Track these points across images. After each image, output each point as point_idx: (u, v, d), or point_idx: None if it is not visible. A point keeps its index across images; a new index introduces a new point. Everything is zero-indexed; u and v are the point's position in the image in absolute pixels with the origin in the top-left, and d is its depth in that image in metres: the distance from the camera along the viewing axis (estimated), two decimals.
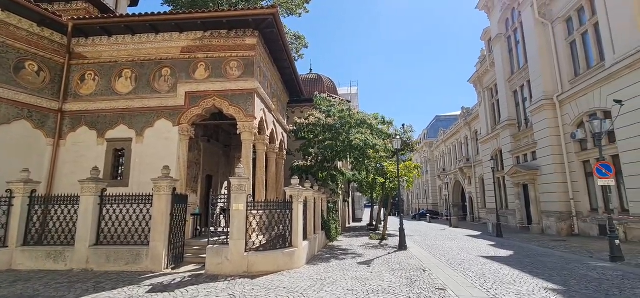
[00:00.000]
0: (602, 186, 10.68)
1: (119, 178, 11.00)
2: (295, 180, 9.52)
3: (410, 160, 24.51)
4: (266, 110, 12.37)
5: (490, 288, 6.57)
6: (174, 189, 9.07)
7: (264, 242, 9.14)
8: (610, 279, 7.12)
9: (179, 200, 9.34)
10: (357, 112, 15.33)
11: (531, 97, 19.43)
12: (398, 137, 15.58)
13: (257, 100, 11.09)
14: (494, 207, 20.15)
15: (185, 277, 7.69)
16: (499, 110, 24.41)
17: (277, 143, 14.27)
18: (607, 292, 6.16)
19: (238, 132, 10.86)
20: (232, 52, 11.22)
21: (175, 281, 7.34)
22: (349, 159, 17.37)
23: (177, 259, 9.15)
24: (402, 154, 24.66)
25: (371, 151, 14.39)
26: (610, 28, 13.79)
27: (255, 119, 10.89)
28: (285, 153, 15.98)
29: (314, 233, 11.79)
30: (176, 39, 11.48)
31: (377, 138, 14.52)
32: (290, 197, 9.30)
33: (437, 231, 21.85)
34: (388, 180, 18.42)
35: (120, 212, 8.97)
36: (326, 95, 16.38)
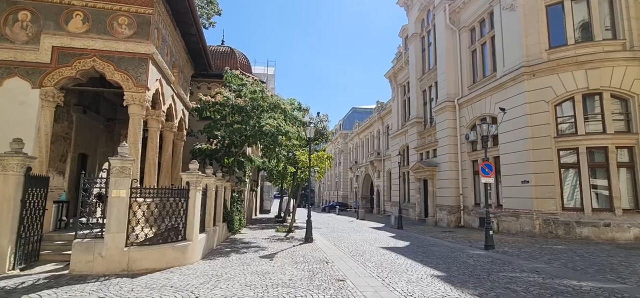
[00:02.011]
0: (484, 183, 12.92)
1: None
2: (194, 165, 9.04)
3: (324, 150, 25.60)
4: (164, 81, 11.34)
5: (386, 277, 7.38)
6: (29, 169, 7.66)
7: (151, 235, 8.46)
8: (482, 264, 8.74)
9: (36, 182, 7.94)
10: (271, 95, 15.24)
11: (437, 97, 22.16)
12: (312, 125, 16.04)
13: (152, 68, 10.06)
14: (398, 200, 22.53)
15: (39, 279, 6.61)
16: (410, 107, 27.19)
17: (176, 121, 13.28)
18: (478, 275, 7.56)
19: (125, 103, 9.72)
20: (123, 5, 9.90)
21: (23, 284, 6.26)
22: (259, 145, 17.23)
23: (29, 257, 7.81)
24: (316, 144, 25.54)
25: (283, 138, 14.52)
26: (503, 43, 16.59)
27: (149, 90, 9.89)
28: (185, 133, 14.99)
29: (214, 225, 11.44)
30: None
31: (290, 125, 14.72)
32: (187, 183, 8.81)
33: (345, 223, 23.41)
34: (299, 170, 18.87)
35: None
36: (239, 72, 15.81)
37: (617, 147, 13.49)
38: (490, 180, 12.50)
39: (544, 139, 14.30)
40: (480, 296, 6.02)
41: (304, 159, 17.08)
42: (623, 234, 12.72)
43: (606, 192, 13.49)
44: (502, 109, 14.42)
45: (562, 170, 14.20)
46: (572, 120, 14.23)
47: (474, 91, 18.75)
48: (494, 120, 16.74)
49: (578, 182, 13.77)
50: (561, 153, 14.27)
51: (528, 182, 14.43)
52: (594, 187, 13.70)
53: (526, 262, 8.98)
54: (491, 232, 11.31)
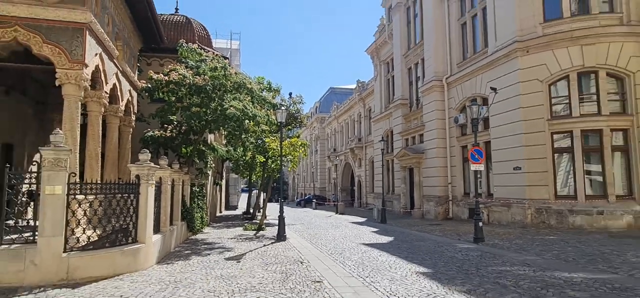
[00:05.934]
0: (474, 171, 13.39)
1: None
2: (145, 155, 8.83)
3: (298, 136, 25.64)
4: (105, 57, 10.87)
5: (367, 276, 7.57)
6: None
7: (95, 239, 8.23)
8: (471, 259, 9.15)
9: None
10: (236, 73, 15.03)
11: (424, 76, 22.55)
12: (284, 108, 15.93)
13: (89, 40, 9.60)
14: (381, 191, 22.98)
15: None
16: (394, 87, 27.52)
17: (122, 104, 12.81)
18: (467, 270, 7.92)
19: (58, 83, 9.24)
20: None
21: None
22: (222, 132, 17.00)
23: None
24: (289, 129, 25.51)
25: (250, 123, 14.40)
26: (495, 15, 17.01)
27: (87, 66, 9.45)
28: (134, 119, 14.50)
29: (171, 224, 11.30)
30: None
31: (258, 108, 14.60)
32: (137, 177, 8.61)
33: (322, 218, 23.70)
34: (270, 160, 18.81)
35: None
36: (196, 46, 15.40)
37: (611, 130, 14.31)
38: (481, 167, 12.96)
39: (537, 121, 14.91)
40: (469, 292, 6.30)
41: (274, 147, 17.01)
42: (616, 222, 13.59)
43: (600, 178, 14.33)
44: (493, 89, 14.89)
45: (556, 155, 14.92)
46: (567, 100, 14.92)
47: (464, 69, 19.22)
48: (485, 101, 17.26)
49: (572, 168, 14.53)
50: (555, 137, 14.96)
51: (520, 168, 15.08)
52: (588, 172, 14.52)
53: (517, 255, 9.47)
54: (481, 224, 11.80)
